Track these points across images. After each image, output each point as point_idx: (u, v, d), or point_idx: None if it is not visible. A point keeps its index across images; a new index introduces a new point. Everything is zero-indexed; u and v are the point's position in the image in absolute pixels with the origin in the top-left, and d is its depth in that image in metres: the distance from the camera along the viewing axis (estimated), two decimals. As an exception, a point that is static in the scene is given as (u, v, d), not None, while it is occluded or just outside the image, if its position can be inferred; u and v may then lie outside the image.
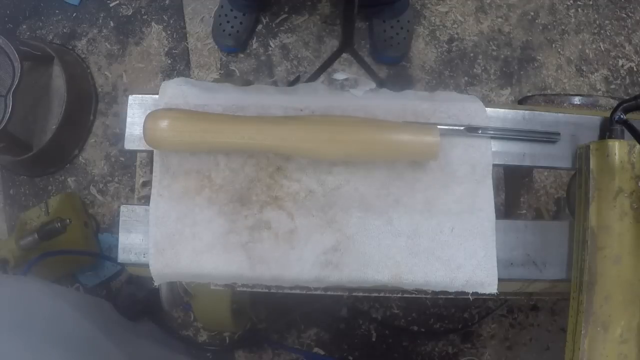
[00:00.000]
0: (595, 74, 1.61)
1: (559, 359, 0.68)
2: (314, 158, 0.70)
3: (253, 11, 1.57)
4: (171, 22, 1.66)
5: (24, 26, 1.69)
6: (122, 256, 0.73)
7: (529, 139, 0.74)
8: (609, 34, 1.64)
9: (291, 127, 0.66)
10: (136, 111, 0.76)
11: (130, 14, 1.68)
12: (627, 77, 1.61)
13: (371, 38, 1.58)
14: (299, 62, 1.61)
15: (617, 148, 0.67)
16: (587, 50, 1.62)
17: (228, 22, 1.54)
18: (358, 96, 0.74)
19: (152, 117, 0.66)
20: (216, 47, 1.61)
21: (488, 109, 0.74)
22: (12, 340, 0.78)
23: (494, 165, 0.72)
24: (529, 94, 1.38)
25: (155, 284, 0.71)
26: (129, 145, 0.76)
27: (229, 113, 0.72)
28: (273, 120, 0.67)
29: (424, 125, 0.68)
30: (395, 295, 0.79)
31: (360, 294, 0.80)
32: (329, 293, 0.78)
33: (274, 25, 1.62)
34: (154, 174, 0.72)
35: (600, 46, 1.63)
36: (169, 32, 1.66)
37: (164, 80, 0.75)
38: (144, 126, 0.66)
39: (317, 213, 0.70)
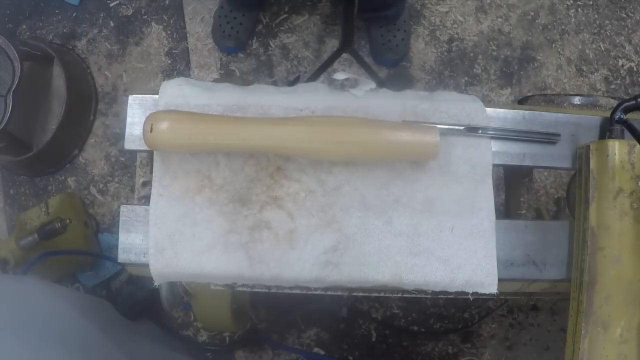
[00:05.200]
0: (595, 74, 1.61)
1: (559, 359, 0.68)
2: (314, 158, 0.70)
3: (253, 11, 1.57)
4: (171, 22, 1.66)
5: (24, 26, 1.69)
6: (122, 256, 0.73)
7: (529, 139, 0.74)
8: (609, 34, 1.64)
9: (291, 128, 0.66)
10: (136, 111, 0.76)
11: (130, 14, 1.68)
12: (627, 77, 1.61)
13: (370, 41, 1.59)
14: (299, 62, 1.61)
15: (617, 148, 0.67)
16: (587, 50, 1.62)
17: (228, 22, 1.54)
18: (358, 96, 0.74)
19: (151, 119, 0.66)
20: (216, 47, 1.61)
21: (488, 109, 0.74)
22: (12, 340, 0.78)
23: (494, 165, 0.72)
24: (529, 94, 1.38)
25: (155, 284, 0.71)
26: (129, 145, 0.76)
27: (229, 113, 0.72)
28: (273, 121, 0.67)
29: (424, 126, 0.68)
30: (395, 295, 0.80)
31: (360, 294, 0.80)
32: (329, 293, 0.79)
33: (274, 25, 1.62)
34: (153, 174, 0.72)
35: (600, 46, 1.63)
36: (169, 32, 1.66)
37: (164, 80, 0.75)
38: (143, 128, 0.66)
39: (317, 213, 0.70)
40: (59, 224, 1.29)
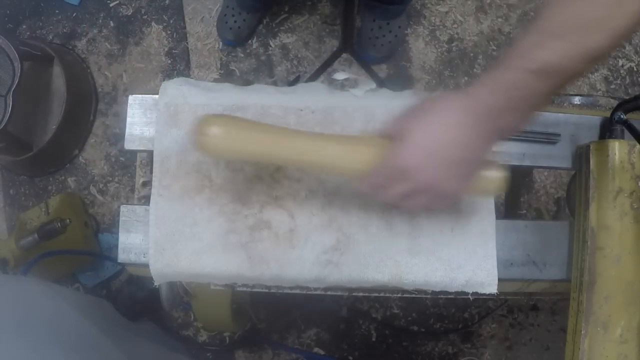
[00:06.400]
0: (595, 74, 1.61)
1: (559, 359, 0.68)
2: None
3: (257, 11, 1.57)
4: (171, 22, 1.66)
5: (24, 26, 1.69)
6: (122, 256, 0.73)
7: (529, 139, 0.74)
8: (609, 34, 1.63)
9: (353, 148, 0.60)
10: (136, 111, 0.76)
11: (130, 14, 1.68)
12: (627, 77, 1.61)
13: (358, 33, 1.57)
14: (299, 62, 1.61)
15: (617, 148, 0.67)
16: (587, 50, 1.62)
17: (233, 15, 1.55)
18: (358, 96, 0.74)
19: (212, 122, 0.60)
20: (216, 47, 1.61)
21: (488, 109, 0.74)
22: (13, 340, 0.78)
23: (494, 165, 0.72)
24: (529, 94, 1.38)
25: (155, 284, 0.71)
26: (129, 145, 0.76)
27: (229, 113, 0.72)
28: (336, 138, 0.62)
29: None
30: (395, 295, 0.80)
31: (360, 294, 0.80)
32: (329, 293, 0.79)
33: (274, 25, 1.62)
34: (153, 174, 0.72)
35: (600, 46, 1.63)
36: (169, 32, 1.66)
37: (164, 80, 0.75)
38: (197, 130, 0.59)
39: (317, 212, 0.70)
40: (59, 224, 1.29)
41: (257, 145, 0.60)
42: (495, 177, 0.61)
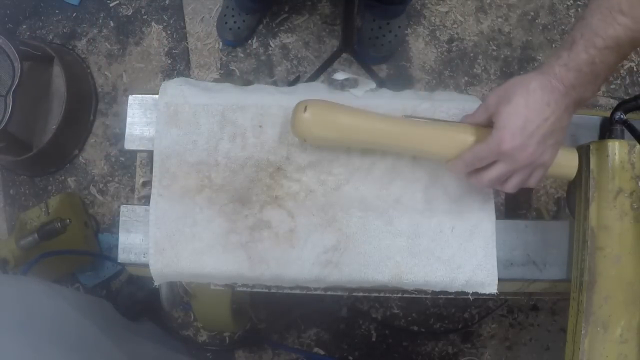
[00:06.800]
0: (595, 74, 1.61)
1: (559, 359, 0.68)
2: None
3: (257, 12, 1.57)
4: (171, 22, 1.66)
5: (24, 26, 1.69)
6: (122, 256, 0.73)
7: (529, 139, 0.73)
8: (609, 34, 1.63)
9: (442, 133, 0.66)
10: (136, 111, 0.76)
11: (130, 14, 1.68)
12: (627, 77, 1.61)
13: (358, 33, 1.57)
14: (299, 62, 1.61)
15: (617, 148, 0.67)
16: (587, 50, 1.62)
17: (232, 16, 1.55)
18: (358, 96, 0.74)
19: (305, 106, 0.65)
20: (216, 47, 1.61)
21: (488, 109, 0.74)
22: (13, 340, 0.78)
23: (494, 165, 0.72)
24: (529, 94, 1.37)
25: (155, 284, 0.71)
26: (129, 145, 0.76)
27: (229, 113, 0.72)
28: (423, 123, 0.68)
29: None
30: (395, 295, 0.80)
31: (360, 294, 0.80)
32: (329, 293, 0.79)
33: (274, 25, 1.62)
34: (153, 174, 0.72)
35: (600, 46, 1.62)
36: (169, 32, 1.66)
37: (164, 80, 0.75)
38: (292, 114, 0.66)
39: (317, 212, 0.70)
40: (59, 224, 1.29)
41: (350, 128, 0.66)
42: (571, 159, 0.67)
